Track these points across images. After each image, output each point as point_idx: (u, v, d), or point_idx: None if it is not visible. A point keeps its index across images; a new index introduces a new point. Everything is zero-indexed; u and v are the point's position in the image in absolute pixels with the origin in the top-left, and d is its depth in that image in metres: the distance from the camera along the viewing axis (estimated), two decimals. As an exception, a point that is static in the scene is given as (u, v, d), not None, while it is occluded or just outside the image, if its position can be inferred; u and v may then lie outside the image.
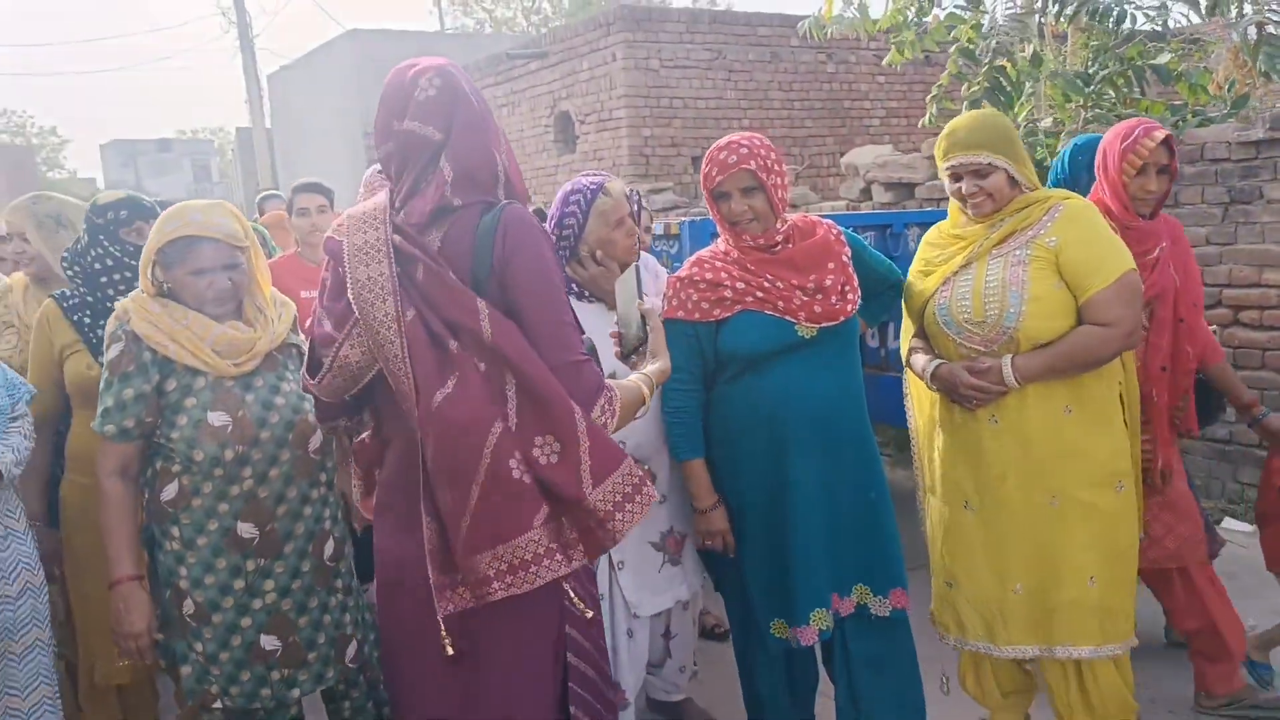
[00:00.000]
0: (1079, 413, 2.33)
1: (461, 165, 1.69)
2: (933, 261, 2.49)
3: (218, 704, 2.21)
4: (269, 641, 2.22)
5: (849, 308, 2.41)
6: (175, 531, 2.18)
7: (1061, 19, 5.44)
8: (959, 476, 2.45)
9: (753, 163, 2.32)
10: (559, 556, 1.59)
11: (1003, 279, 2.31)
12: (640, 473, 1.65)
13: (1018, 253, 2.32)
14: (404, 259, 1.63)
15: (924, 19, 6.05)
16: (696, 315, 2.41)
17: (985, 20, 5.62)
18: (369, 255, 1.62)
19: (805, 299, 2.37)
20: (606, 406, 1.66)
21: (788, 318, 2.36)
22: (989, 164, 2.31)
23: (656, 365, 1.89)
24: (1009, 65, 5.52)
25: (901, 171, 6.57)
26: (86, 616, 2.63)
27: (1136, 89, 5.31)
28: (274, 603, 2.22)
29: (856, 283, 2.45)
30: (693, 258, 2.52)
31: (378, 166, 1.83)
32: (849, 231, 2.57)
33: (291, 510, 2.23)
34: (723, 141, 2.40)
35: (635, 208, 2.58)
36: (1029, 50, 5.56)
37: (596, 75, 10.17)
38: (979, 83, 5.58)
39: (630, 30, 9.72)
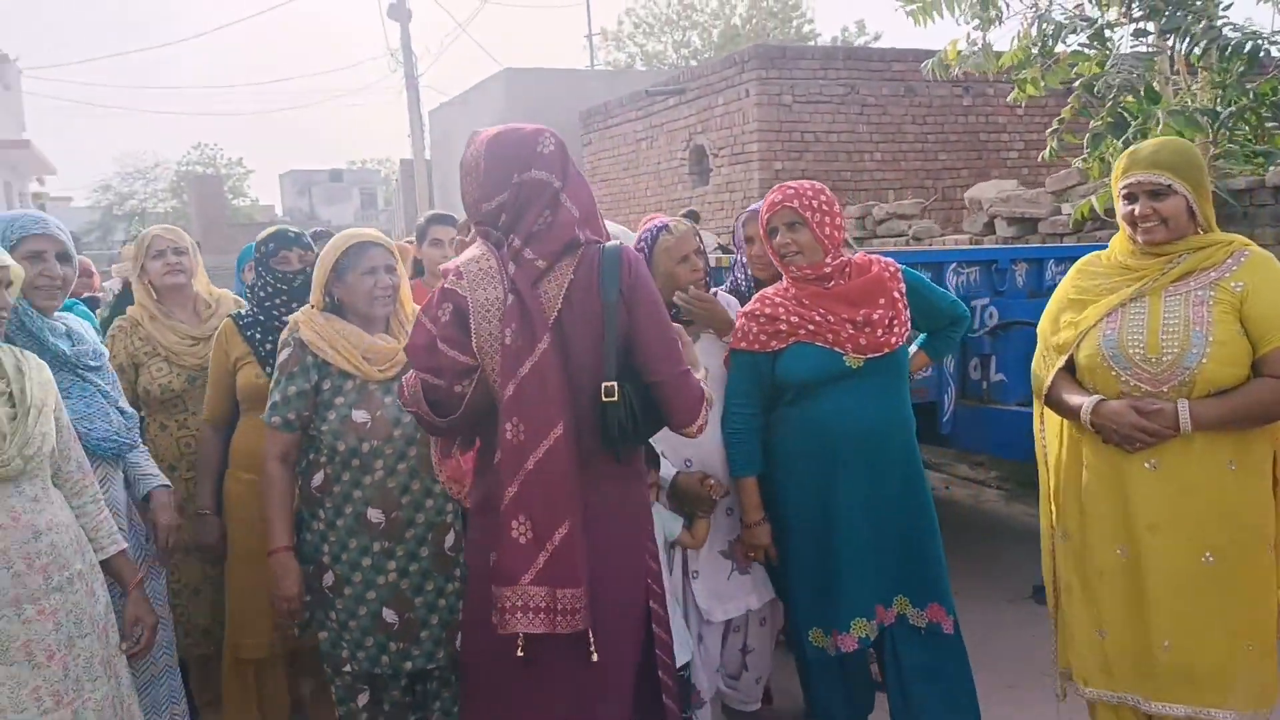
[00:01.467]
0: (1241, 469, 2.21)
1: (583, 208, 2.01)
2: (1090, 291, 2.37)
3: (347, 667, 2.53)
4: (389, 615, 2.48)
5: (894, 340, 2.57)
6: (320, 514, 2.50)
7: (1191, 55, 5.36)
8: (1108, 521, 2.33)
9: (796, 202, 2.57)
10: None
11: (1185, 317, 2.20)
12: None
13: (1199, 293, 2.21)
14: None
15: (1048, 57, 6.05)
16: (756, 346, 2.64)
17: (1111, 58, 5.59)
18: (490, 311, 1.96)
19: (853, 332, 2.55)
20: (706, 409, 2.05)
21: (837, 349, 2.56)
22: (1169, 185, 2.20)
23: (700, 375, 2.16)
24: (1132, 101, 5.47)
25: (1025, 206, 6.56)
26: (237, 597, 2.91)
27: (1272, 124, 5.18)
28: (394, 581, 2.49)
29: (906, 317, 2.61)
30: (757, 295, 2.76)
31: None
32: (908, 269, 2.75)
33: (414, 501, 2.50)
34: (776, 187, 2.68)
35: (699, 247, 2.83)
36: (1160, 86, 5.49)
37: (731, 110, 10.49)
38: (1103, 118, 5.55)
39: (764, 67, 10.01)
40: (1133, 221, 2.27)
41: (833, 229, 2.61)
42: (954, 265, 4.52)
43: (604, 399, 1.92)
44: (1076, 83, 5.86)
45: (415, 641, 2.50)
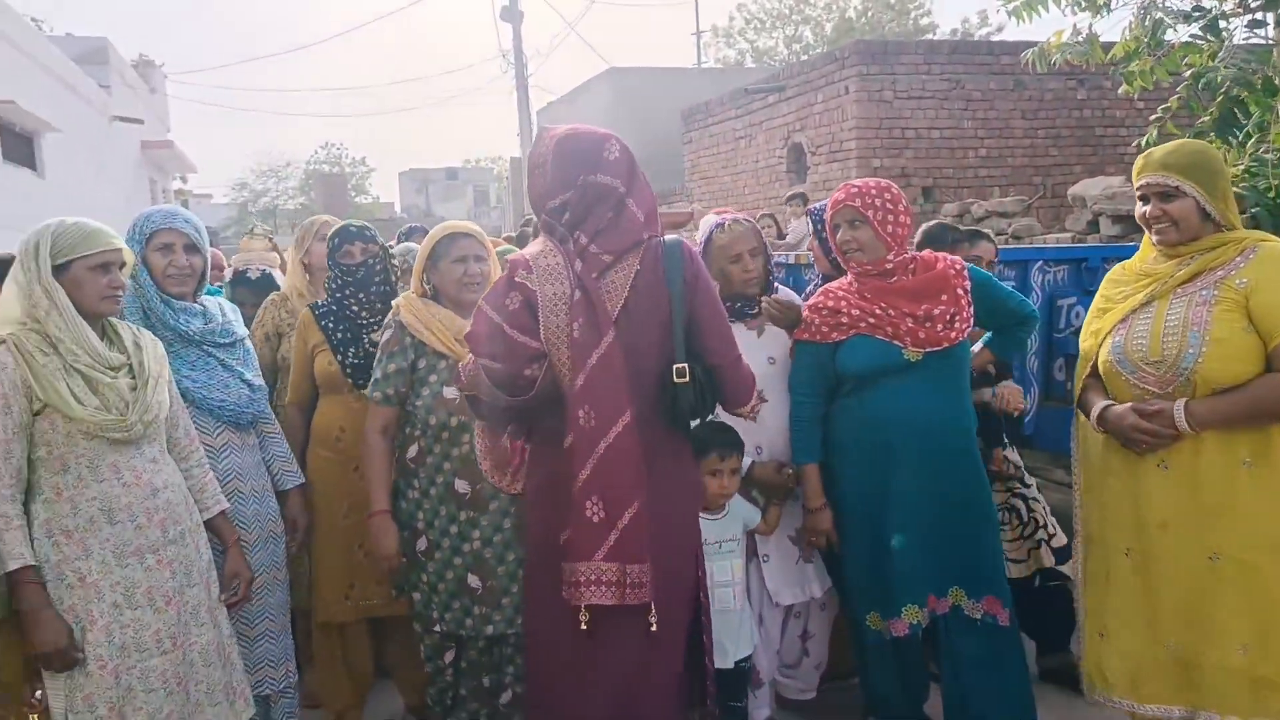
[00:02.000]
0: (1259, 467, 2.18)
1: (646, 209, 2.18)
2: (1112, 298, 2.43)
3: (437, 626, 2.70)
4: (473, 580, 2.65)
5: (954, 335, 2.60)
6: (415, 484, 2.69)
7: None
8: (1122, 522, 2.37)
9: (858, 200, 2.64)
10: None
11: (1184, 318, 2.22)
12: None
13: (1204, 293, 2.22)
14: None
15: (1158, 48, 5.86)
16: (818, 337, 2.71)
17: (1223, 50, 5.39)
18: (557, 306, 2.12)
19: (913, 325, 2.59)
20: (760, 393, 2.26)
21: (896, 342, 2.60)
22: (1175, 187, 2.23)
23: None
24: (1246, 95, 5.26)
25: (1130, 203, 6.36)
26: (320, 564, 3.00)
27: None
28: (479, 549, 2.65)
29: (969, 314, 2.63)
30: (822, 288, 2.83)
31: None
32: (976, 268, 2.76)
33: None
34: (842, 185, 2.77)
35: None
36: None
37: (830, 108, 10.46)
38: (1210, 113, 5.36)
39: (865, 63, 9.95)
40: (1146, 223, 2.32)
41: (895, 226, 2.65)
42: (1040, 264, 4.48)
43: (675, 380, 2.08)
44: (1187, 74, 5.67)
45: (497, 607, 2.66)
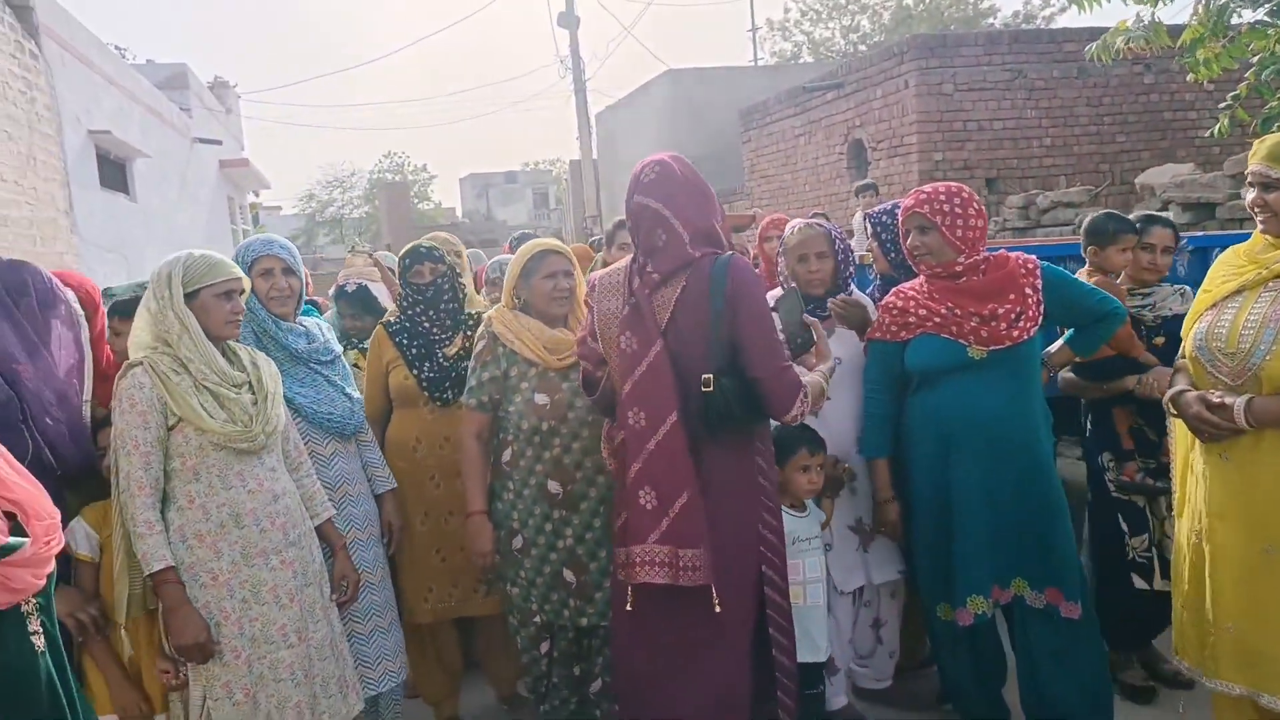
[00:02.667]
0: None
1: (694, 228, 2.34)
2: (1214, 281, 2.43)
3: (536, 618, 2.85)
4: (569, 574, 2.79)
5: (1016, 334, 2.65)
6: (509, 485, 2.84)
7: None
8: (1193, 506, 2.43)
9: (926, 207, 2.72)
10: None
11: (1265, 314, 2.23)
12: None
13: None
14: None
15: (1223, 34, 5.79)
16: (887, 336, 2.84)
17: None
18: (610, 320, 2.40)
19: (977, 324, 2.67)
20: (803, 399, 2.32)
21: (961, 340, 2.69)
22: (1276, 178, 2.24)
23: (828, 365, 2.57)
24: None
25: (1200, 191, 6.32)
26: (401, 570, 3.10)
27: None
28: (572, 546, 2.79)
29: (1036, 313, 2.68)
30: (894, 289, 2.92)
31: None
32: (1052, 266, 2.80)
33: (587, 476, 2.79)
34: (912, 191, 2.85)
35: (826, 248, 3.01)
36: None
37: (889, 103, 10.44)
38: (1279, 98, 5.32)
39: (924, 56, 9.91)
40: (1252, 210, 2.36)
41: (965, 230, 2.71)
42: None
43: (704, 389, 2.26)
44: (1254, 60, 5.61)
45: (590, 600, 2.80)
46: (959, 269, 2.74)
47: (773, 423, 2.93)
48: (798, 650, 2.77)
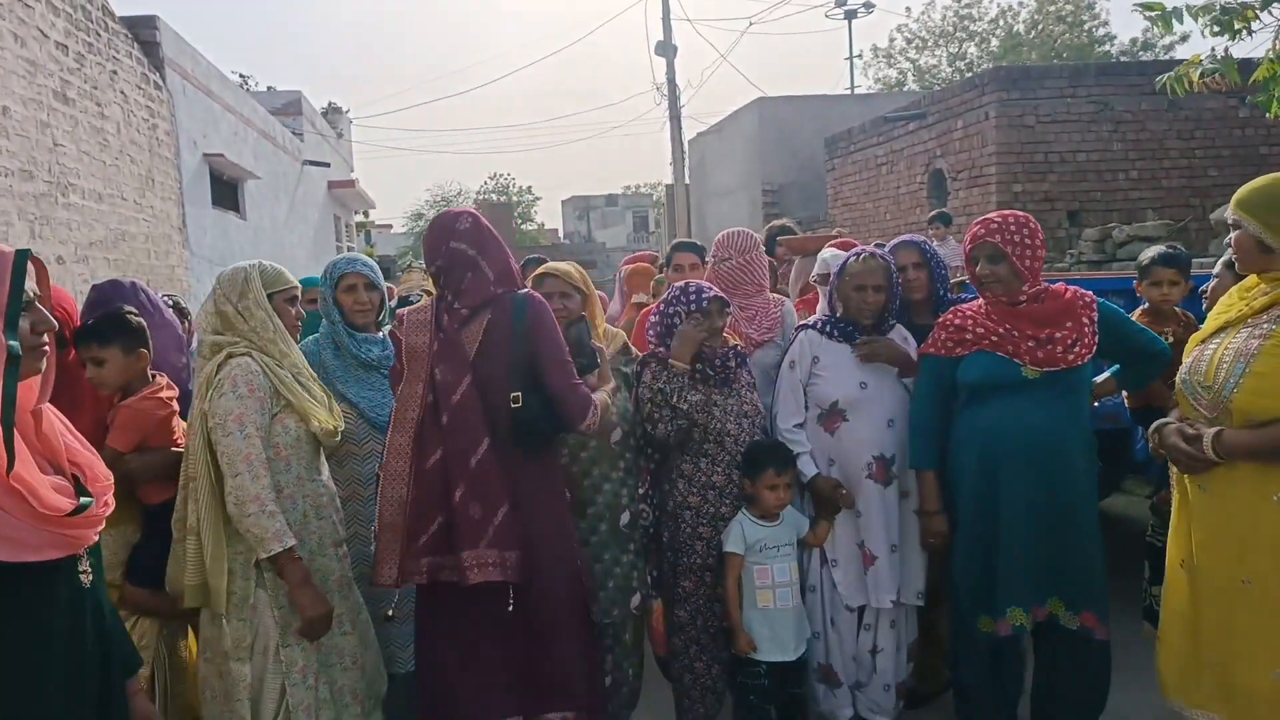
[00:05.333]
0: None
1: (498, 270, 2.59)
2: (1213, 317, 2.48)
3: None
4: None
5: (1071, 359, 2.70)
6: None
7: None
8: (1179, 537, 2.45)
9: (998, 237, 2.75)
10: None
11: (1239, 348, 2.27)
12: None
13: (1265, 325, 2.26)
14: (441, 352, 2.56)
15: (1298, 69, 5.65)
16: (942, 351, 2.89)
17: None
18: (417, 355, 2.59)
19: (1033, 346, 2.72)
20: (594, 413, 2.56)
21: (1015, 360, 2.74)
22: (1234, 221, 2.33)
23: (609, 385, 2.82)
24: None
25: None
26: None
27: None
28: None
29: (1092, 343, 2.73)
30: (953, 308, 2.98)
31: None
32: (1108, 303, 2.85)
33: (593, 484, 2.92)
34: (981, 219, 2.87)
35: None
36: None
37: (970, 133, 10.39)
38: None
39: (1005, 89, 9.86)
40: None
41: (1033, 260, 2.76)
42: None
43: (513, 405, 2.48)
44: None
45: (594, 599, 2.81)
46: (1022, 298, 2.79)
47: (758, 438, 3.10)
48: (768, 650, 2.95)
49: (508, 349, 2.54)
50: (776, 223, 5.66)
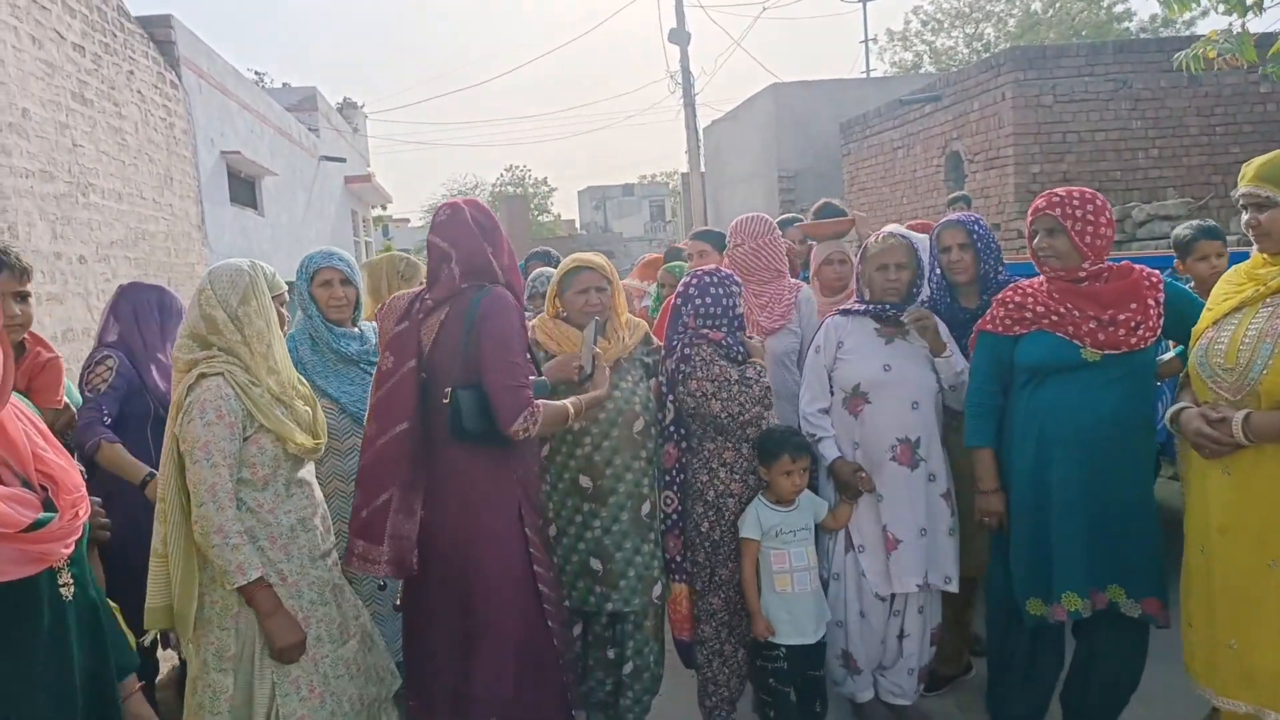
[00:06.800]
0: None
1: (467, 265, 2.55)
2: (1215, 299, 2.44)
3: (566, 602, 2.95)
4: (595, 563, 2.97)
5: (1134, 341, 2.61)
6: (547, 478, 3.01)
7: None
8: (1196, 521, 2.44)
9: (1059, 210, 2.68)
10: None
11: (1262, 329, 2.24)
12: None
13: None
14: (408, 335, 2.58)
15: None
16: (1000, 329, 2.81)
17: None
18: (393, 342, 2.59)
19: (1094, 328, 2.64)
20: (529, 417, 2.45)
21: (1076, 341, 2.66)
22: (1267, 198, 2.27)
23: (591, 395, 2.75)
24: None
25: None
26: None
27: None
28: (599, 537, 2.97)
29: (1157, 325, 2.64)
30: (1012, 285, 2.91)
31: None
32: (1173, 282, 2.75)
33: (615, 473, 2.96)
34: (1046, 192, 2.80)
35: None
36: None
37: (986, 115, 10.29)
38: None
39: (1020, 69, 9.74)
40: (1248, 230, 2.38)
41: (1094, 237, 2.68)
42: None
43: (443, 400, 2.48)
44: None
45: (615, 588, 2.98)
46: (1082, 274, 2.71)
47: (772, 425, 3.10)
48: (786, 633, 2.96)
49: (457, 343, 2.52)
50: (784, 216, 5.68)
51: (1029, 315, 2.75)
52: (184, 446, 2.24)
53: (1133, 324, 2.63)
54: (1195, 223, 3.53)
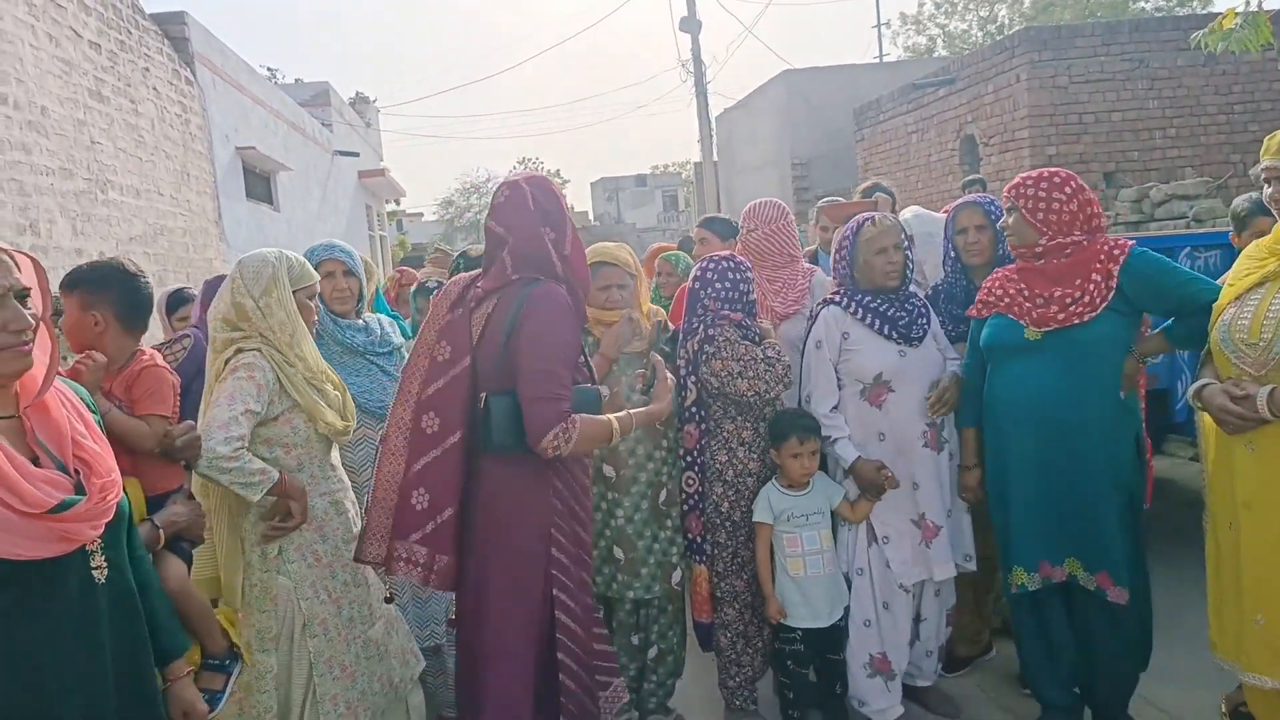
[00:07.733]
0: None
1: (521, 254, 2.31)
2: (1238, 274, 2.42)
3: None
4: (617, 551, 3.01)
5: (1064, 318, 2.65)
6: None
7: None
8: (1221, 498, 2.43)
9: (1013, 192, 2.78)
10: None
11: None
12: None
13: None
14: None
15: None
16: (974, 313, 2.96)
17: None
18: (431, 325, 2.41)
19: (1032, 306, 2.72)
20: (560, 434, 2.17)
21: (1021, 321, 2.75)
22: None
23: (645, 410, 2.48)
24: None
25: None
26: None
27: None
28: (621, 525, 3.00)
29: (1101, 299, 2.62)
30: (995, 270, 2.98)
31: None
32: (1149, 253, 2.70)
33: (638, 462, 3.00)
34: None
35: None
36: None
37: (1000, 97, 10.22)
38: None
39: (1035, 50, 9.67)
40: (1272, 204, 2.38)
41: (1047, 213, 2.69)
42: (1187, 250, 4.43)
43: (480, 405, 2.27)
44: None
45: (637, 575, 3.02)
46: (1039, 250, 2.75)
47: (779, 404, 3.10)
48: (801, 617, 2.97)
49: (498, 342, 2.28)
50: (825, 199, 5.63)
51: (991, 299, 2.86)
52: (209, 399, 2.29)
53: (1067, 300, 2.65)
54: (1254, 194, 3.48)
